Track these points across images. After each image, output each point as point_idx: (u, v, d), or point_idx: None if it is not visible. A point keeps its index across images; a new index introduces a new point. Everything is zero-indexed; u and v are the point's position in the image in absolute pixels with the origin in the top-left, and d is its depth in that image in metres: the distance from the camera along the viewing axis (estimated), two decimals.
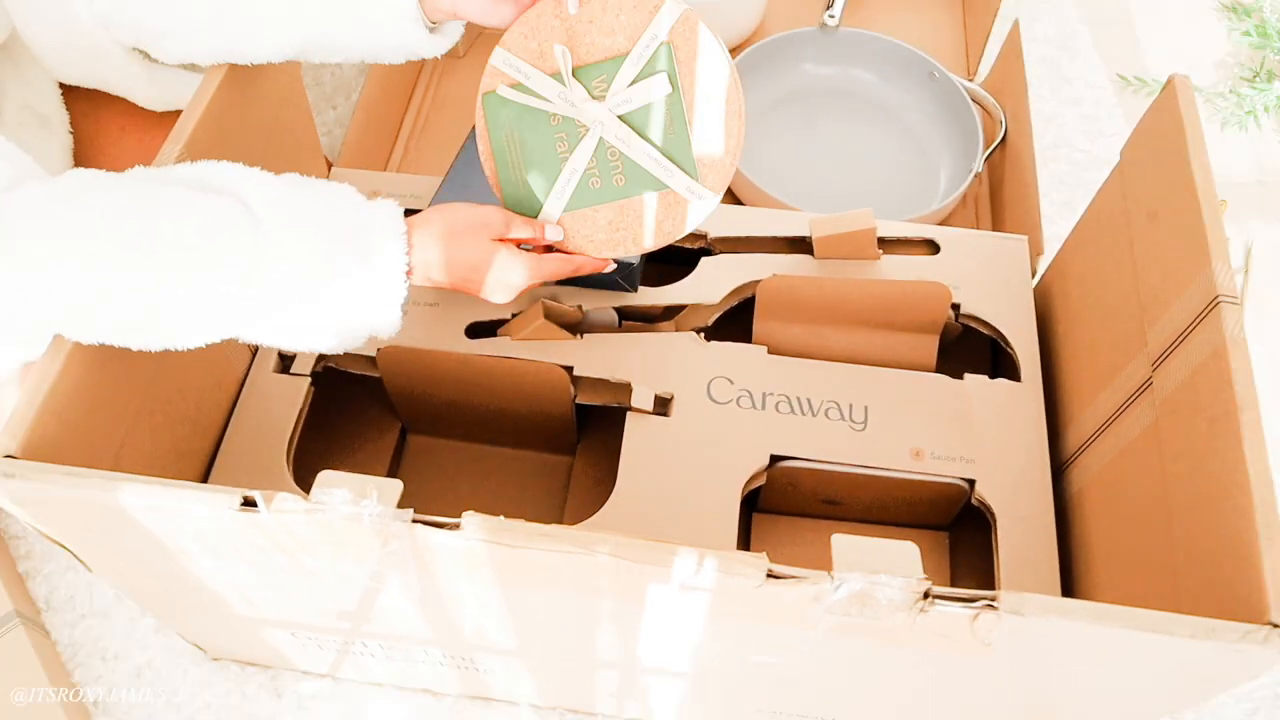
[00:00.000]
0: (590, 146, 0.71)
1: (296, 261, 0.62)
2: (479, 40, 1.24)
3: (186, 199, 0.61)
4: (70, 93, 0.88)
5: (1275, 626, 0.52)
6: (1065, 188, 1.19)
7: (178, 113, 0.89)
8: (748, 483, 0.79)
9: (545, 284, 0.78)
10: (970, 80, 1.19)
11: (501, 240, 0.71)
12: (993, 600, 0.53)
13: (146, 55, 0.82)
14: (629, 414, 0.80)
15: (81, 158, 0.88)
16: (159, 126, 0.90)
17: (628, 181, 0.72)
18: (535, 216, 0.75)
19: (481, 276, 0.70)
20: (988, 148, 1.10)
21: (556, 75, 0.70)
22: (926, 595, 0.53)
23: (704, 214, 0.72)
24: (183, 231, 0.59)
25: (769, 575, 0.54)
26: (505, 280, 0.71)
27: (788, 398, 0.82)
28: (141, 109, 0.89)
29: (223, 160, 0.65)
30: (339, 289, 0.63)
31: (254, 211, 0.62)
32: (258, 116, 0.77)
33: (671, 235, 0.73)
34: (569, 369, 0.82)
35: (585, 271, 0.76)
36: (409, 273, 0.66)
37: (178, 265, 0.59)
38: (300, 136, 0.85)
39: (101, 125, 0.89)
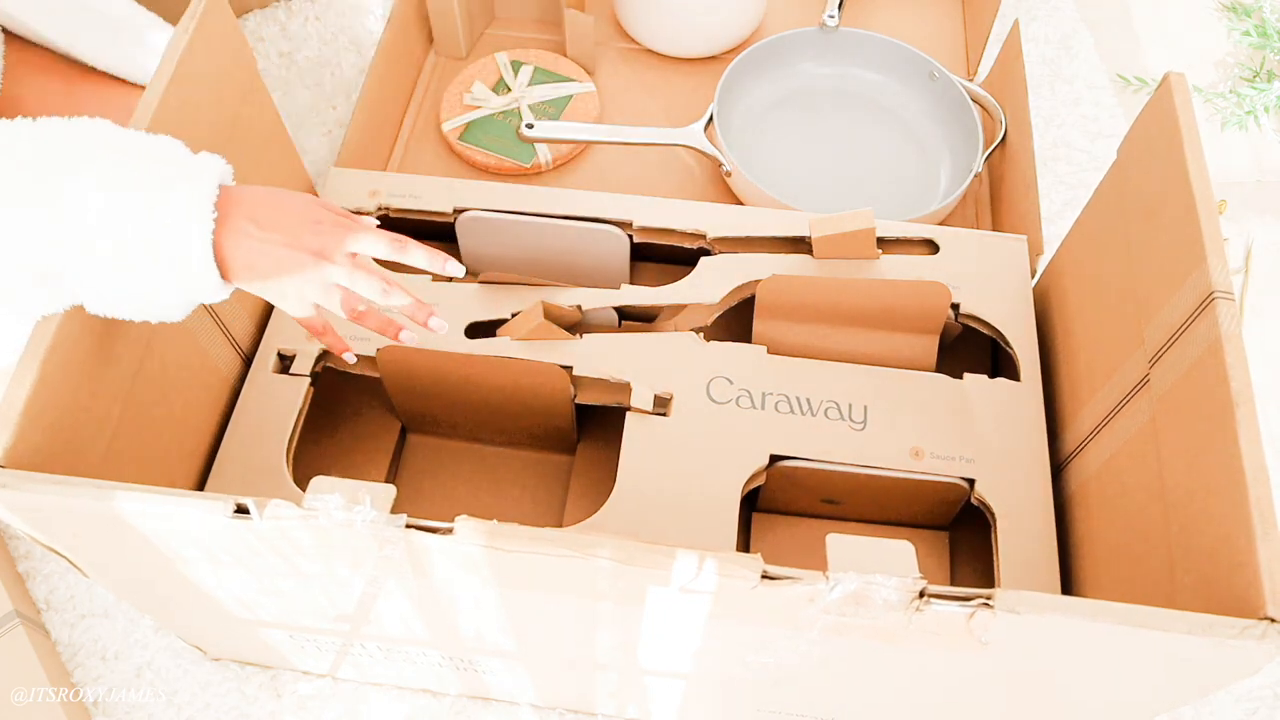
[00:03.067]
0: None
1: (100, 175, 0.58)
2: (480, 41, 1.25)
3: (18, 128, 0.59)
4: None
5: (1272, 621, 0.52)
6: (1065, 188, 1.19)
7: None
8: (747, 482, 0.79)
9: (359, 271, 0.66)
10: (970, 80, 1.19)
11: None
12: (988, 599, 0.53)
13: None
14: (629, 414, 0.81)
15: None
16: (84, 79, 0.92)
17: None
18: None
19: (295, 228, 0.63)
20: (988, 148, 1.10)
21: None
22: (922, 594, 0.53)
23: None
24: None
25: (764, 576, 0.54)
26: (319, 243, 0.63)
27: (787, 397, 0.82)
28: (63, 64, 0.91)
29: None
30: (142, 218, 0.58)
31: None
32: (213, 115, 0.77)
33: None
34: (569, 369, 0.82)
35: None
36: (218, 205, 0.60)
37: None
38: (266, 132, 0.85)
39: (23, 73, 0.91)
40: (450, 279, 0.86)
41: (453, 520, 0.55)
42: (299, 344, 0.83)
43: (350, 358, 0.78)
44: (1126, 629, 0.52)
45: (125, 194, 0.58)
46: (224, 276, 0.62)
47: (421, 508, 0.91)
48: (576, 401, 0.84)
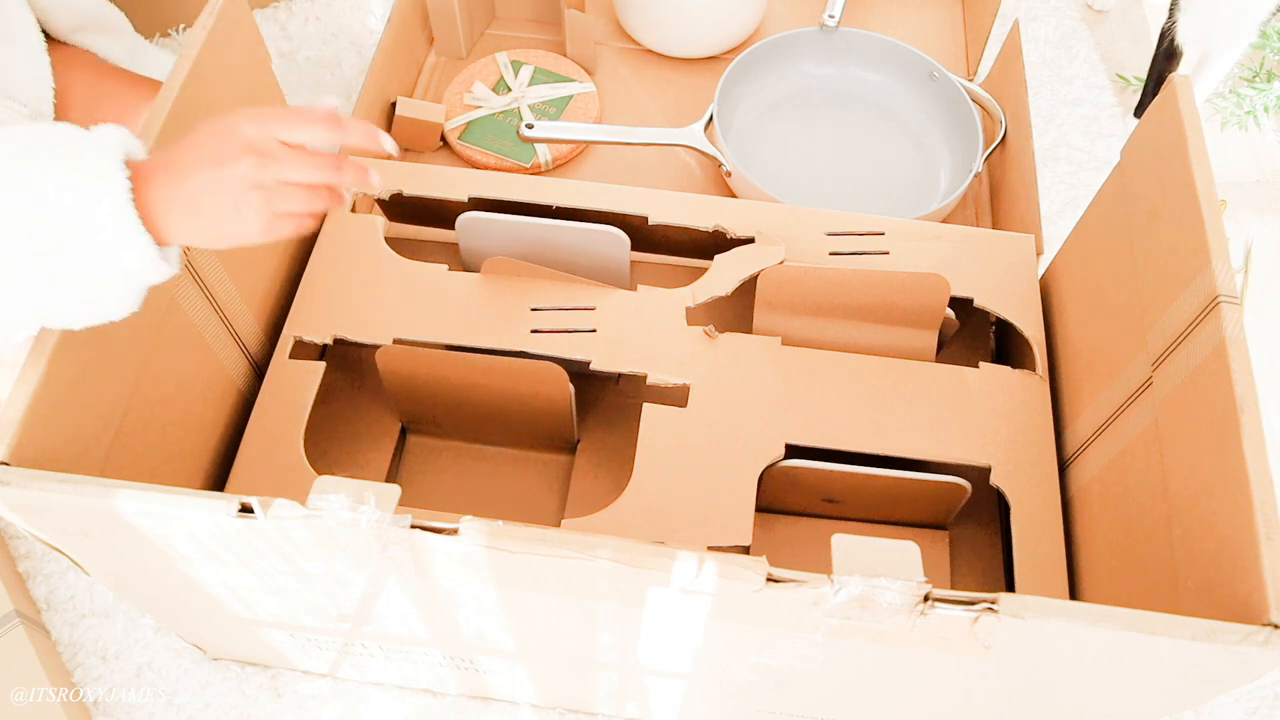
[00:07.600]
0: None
1: None
2: (480, 41, 1.24)
3: None
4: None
5: (1276, 628, 0.52)
6: (1065, 188, 1.19)
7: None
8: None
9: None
10: (970, 80, 1.19)
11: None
12: (993, 603, 0.53)
13: None
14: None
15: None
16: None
17: None
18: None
19: (213, 145, 0.58)
20: (988, 148, 1.10)
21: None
22: (926, 598, 0.53)
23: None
24: None
25: (769, 579, 0.54)
26: (243, 147, 0.57)
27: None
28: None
29: None
30: (51, 202, 0.54)
31: None
32: (228, 111, 0.77)
33: None
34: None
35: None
36: (135, 172, 0.56)
37: None
38: None
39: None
40: (389, 157, 0.81)
41: (454, 520, 0.55)
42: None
43: (375, 179, 0.63)
44: (1130, 634, 0.52)
45: (23, 191, 0.54)
46: (161, 240, 0.57)
47: (421, 508, 0.90)
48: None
